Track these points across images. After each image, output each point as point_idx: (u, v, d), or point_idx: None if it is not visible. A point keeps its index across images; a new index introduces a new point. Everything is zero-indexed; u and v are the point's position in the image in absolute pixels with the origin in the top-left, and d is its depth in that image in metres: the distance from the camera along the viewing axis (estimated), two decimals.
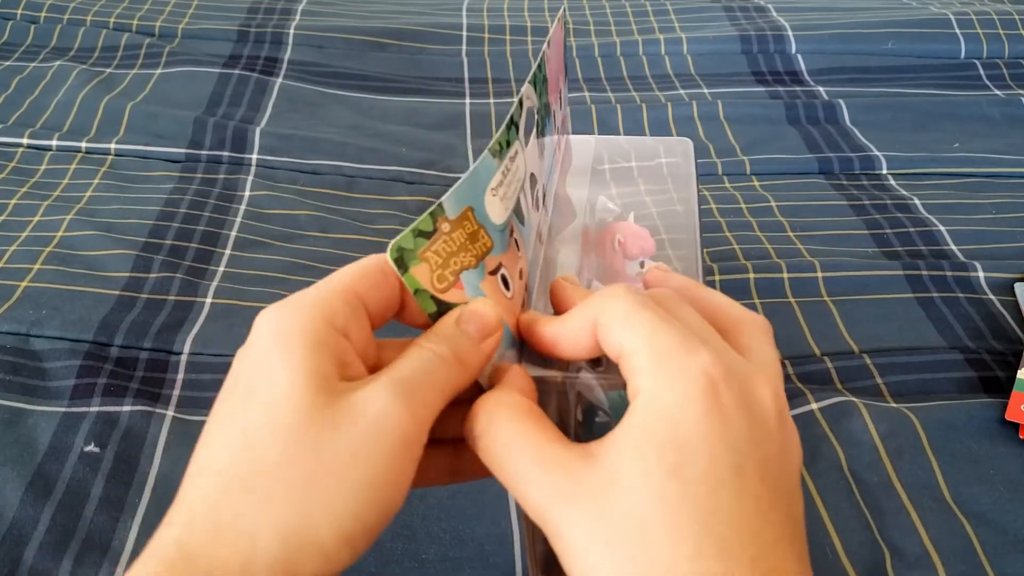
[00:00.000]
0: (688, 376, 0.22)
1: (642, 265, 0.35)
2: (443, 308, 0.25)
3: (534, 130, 0.31)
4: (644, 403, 0.23)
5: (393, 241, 0.23)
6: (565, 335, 0.26)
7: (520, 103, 0.29)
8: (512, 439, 0.24)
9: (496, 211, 0.26)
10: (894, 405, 0.45)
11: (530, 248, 0.31)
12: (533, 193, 0.31)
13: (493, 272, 0.26)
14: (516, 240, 0.28)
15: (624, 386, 0.24)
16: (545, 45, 0.34)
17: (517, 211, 0.28)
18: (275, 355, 0.23)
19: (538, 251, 0.32)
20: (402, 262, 0.23)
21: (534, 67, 0.32)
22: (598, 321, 0.25)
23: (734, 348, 0.25)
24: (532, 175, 0.31)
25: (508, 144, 0.27)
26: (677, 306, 0.25)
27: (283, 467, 0.21)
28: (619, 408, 0.26)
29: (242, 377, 0.23)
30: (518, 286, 0.28)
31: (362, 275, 0.25)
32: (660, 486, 0.21)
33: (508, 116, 0.27)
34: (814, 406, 0.44)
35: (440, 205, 0.24)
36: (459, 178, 0.30)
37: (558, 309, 0.29)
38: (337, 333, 0.23)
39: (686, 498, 0.21)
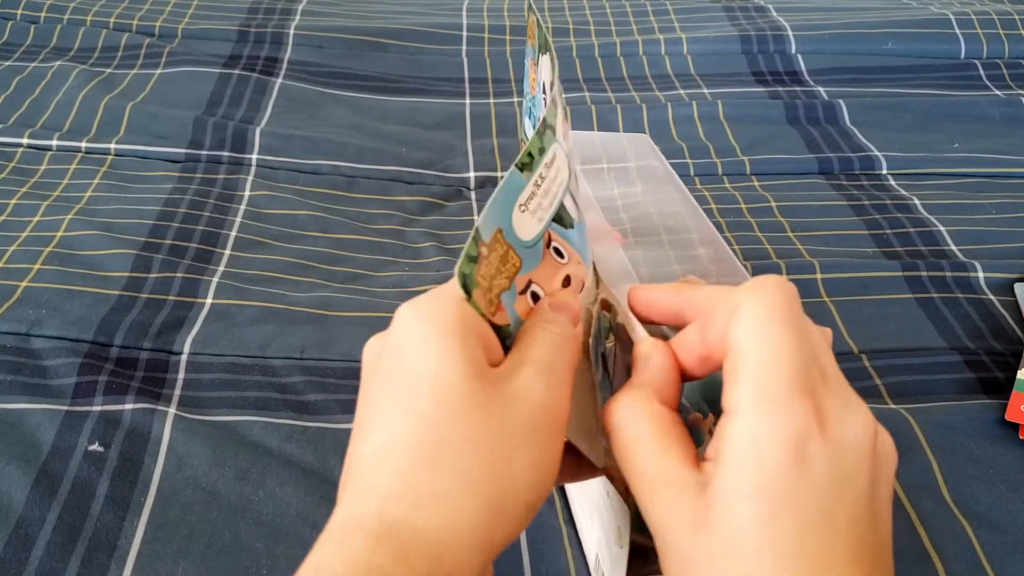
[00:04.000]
0: (786, 424, 0.23)
1: None
2: (495, 331, 0.25)
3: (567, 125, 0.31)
4: (744, 447, 0.23)
5: (456, 267, 0.23)
6: (692, 304, 0.26)
7: (555, 104, 0.28)
8: (646, 447, 0.25)
9: (526, 227, 0.26)
10: (893, 406, 0.45)
11: (587, 249, 0.30)
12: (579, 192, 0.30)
13: (523, 291, 0.26)
14: (558, 248, 0.28)
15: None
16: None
17: (561, 216, 0.28)
18: (433, 344, 0.24)
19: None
20: (467, 287, 0.24)
21: (556, 69, 0.31)
22: (738, 309, 0.24)
23: None
24: (574, 173, 0.30)
25: (542, 151, 0.26)
26: (810, 327, 0.25)
27: (470, 445, 0.23)
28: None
29: (402, 364, 0.24)
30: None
31: None
32: (754, 534, 0.22)
33: (540, 121, 0.26)
34: None
35: (477, 230, 0.24)
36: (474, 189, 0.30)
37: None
38: (482, 321, 0.25)
39: (773, 545, 0.22)
